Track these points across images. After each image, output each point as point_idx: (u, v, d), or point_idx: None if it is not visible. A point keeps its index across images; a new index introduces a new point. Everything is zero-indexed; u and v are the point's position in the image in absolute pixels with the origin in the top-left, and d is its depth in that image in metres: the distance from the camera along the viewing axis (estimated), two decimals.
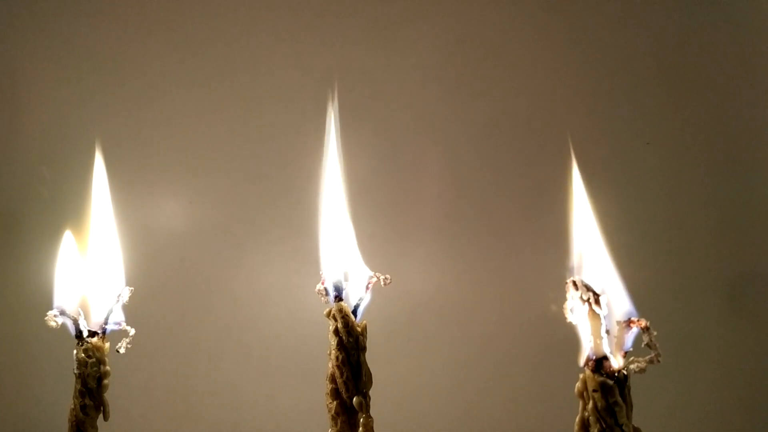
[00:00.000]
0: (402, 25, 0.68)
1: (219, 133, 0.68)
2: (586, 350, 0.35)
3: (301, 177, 0.61)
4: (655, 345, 0.34)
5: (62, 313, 0.43)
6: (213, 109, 0.69)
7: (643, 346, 0.35)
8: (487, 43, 0.67)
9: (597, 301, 0.35)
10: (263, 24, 0.69)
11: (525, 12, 0.67)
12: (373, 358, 0.43)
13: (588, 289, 0.35)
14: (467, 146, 0.67)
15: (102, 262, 0.46)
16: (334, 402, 0.42)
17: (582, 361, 0.35)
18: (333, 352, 0.42)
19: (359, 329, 0.42)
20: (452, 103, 0.67)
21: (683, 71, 0.65)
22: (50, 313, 0.43)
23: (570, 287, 0.36)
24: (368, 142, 0.66)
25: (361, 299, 0.44)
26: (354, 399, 0.42)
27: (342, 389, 0.42)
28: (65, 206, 0.56)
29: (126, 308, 0.45)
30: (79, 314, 0.43)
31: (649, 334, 0.35)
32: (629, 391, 0.35)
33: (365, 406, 0.42)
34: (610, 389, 0.34)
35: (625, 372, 0.34)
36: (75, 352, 0.43)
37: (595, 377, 0.35)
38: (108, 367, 0.43)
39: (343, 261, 0.44)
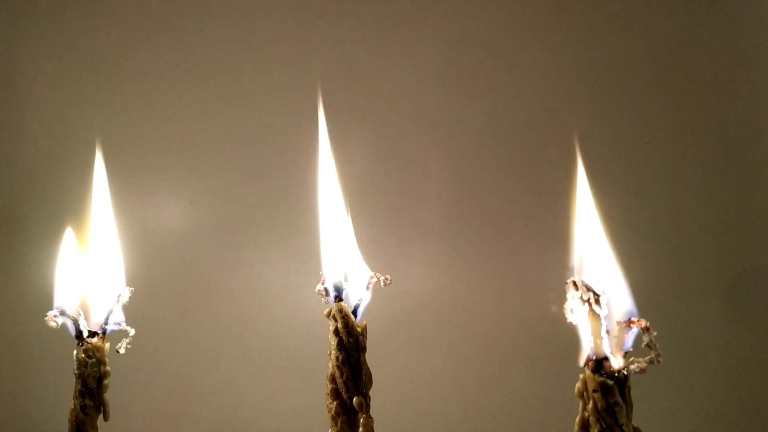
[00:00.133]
0: (402, 25, 0.68)
1: (219, 133, 0.68)
2: (587, 350, 0.35)
3: (301, 177, 0.61)
4: (655, 345, 0.34)
5: (62, 313, 0.43)
6: (213, 110, 0.69)
7: (643, 346, 0.35)
8: (487, 43, 0.67)
9: (597, 302, 0.35)
10: (263, 24, 0.69)
11: (525, 12, 0.67)
12: (373, 358, 0.43)
13: (588, 289, 0.35)
14: (467, 146, 0.67)
15: (102, 263, 0.46)
16: (334, 402, 0.42)
17: (582, 362, 0.35)
18: (333, 352, 0.42)
19: (359, 329, 0.42)
20: (452, 103, 0.67)
21: (684, 71, 0.65)
22: (50, 313, 0.43)
23: (570, 287, 0.36)
24: (368, 142, 0.66)
25: (361, 299, 0.44)
26: (354, 399, 0.42)
27: (342, 389, 0.42)
28: (65, 206, 0.56)
29: (126, 308, 0.45)
30: (79, 314, 0.43)
31: (649, 335, 0.35)
32: (629, 391, 0.35)
33: (365, 406, 0.42)
34: (610, 389, 0.34)
35: (625, 372, 0.34)
36: (75, 352, 0.43)
37: (595, 377, 0.35)
38: (108, 368, 0.43)
39: (343, 261, 0.44)
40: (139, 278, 0.47)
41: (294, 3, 0.69)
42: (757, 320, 0.64)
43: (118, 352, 0.44)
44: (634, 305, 0.36)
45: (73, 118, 0.69)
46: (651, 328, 0.35)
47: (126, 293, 0.45)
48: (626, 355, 0.35)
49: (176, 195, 0.69)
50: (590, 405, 0.35)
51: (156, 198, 0.69)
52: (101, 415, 0.43)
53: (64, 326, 0.44)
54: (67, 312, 0.43)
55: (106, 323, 0.44)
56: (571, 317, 0.36)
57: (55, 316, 0.43)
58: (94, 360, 0.43)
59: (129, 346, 0.44)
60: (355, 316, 0.43)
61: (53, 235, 0.47)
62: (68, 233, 0.47)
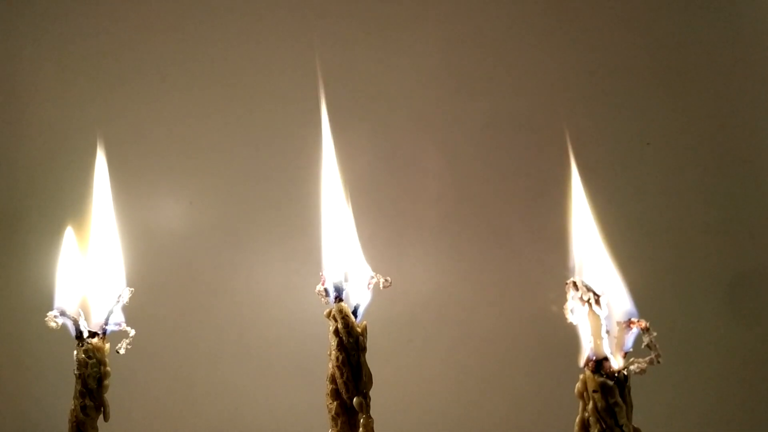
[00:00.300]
0: (402, 25, 0.68)
1: (219, 134, 0.68)
2: (587, 351, 0.35)
3: (301, 177, 0.61)
4: (655, 345, 0.34)
5: (62, 313, 0.43)
6: (214, 110, 0.69)
7: (643, 346, 0.35)
8: (487, 43, 0.67)
9: (597, 302, 0.35)
10: (264, 25, 0.69)
11: (525, 12, 0.67)
12: (373, 358, 0.43)
13: (588, 289, 0.35)
14: (467, 146, 0.67)
15: (102, 263, 0.46)
16: (335, 402, 0.42)
17: (582, 362, 0.35)
18: (333, 352, 0.42)
19: (359, 330, 0.42)
20: (452, 103, 0.67)
21: (683, 71, 0.65)
22: (50, 313, 0.43)
23: (570, 288, 0.36)
24: (368, 142, 0.66)
25: (361, 300, 0.44)
26: (354, 399, 0.42)
27: (342, 390, 0.42)
28: (66, 206, 0.56)
29: (126, 309, 0.45)
30: (80, 315, 0.43)
31: (649, 335, 0.35)
32: (629, 391, 0.35)
33: (365, 406, 0.42)
34: (610, 390, 0.34)
35: (625, 372, 0.35)
36: (75, 352, 0.43)
37: (596, 378, 0.35)
38: (108, 368, 0.43)
39: (344, 261, 0.44)
40: (139, 278, 0.47)
41: (295, 3, 0.69)
42: (757, 320, 0.64)
43: (118, 352, 0.44)
44: (633, 305, 0.36)
45: (73, 118, 0.69)
46: (651, 329, 0.35)
47: (126, 294, 0.45)
48: (626, 355, 0.35)
49: (176, 195, 0.69)
50: (590, 405, 0.35)
51: (156, 198, 0.69)
52: (101, 416, 0.43)
53: (64, 327, 0.44)
54: (68, 312, 0.43)
55: (106, 324, 0.44)
56: (571, 317, 0.36)
57: (55, 316, 0.43)
58: (94, 360, 0.43)
59: (129, 347, 0.44)
60: (355, 317, 0.43)
61: (53, 236, 0.47)
62: (68, 233, 0.46)
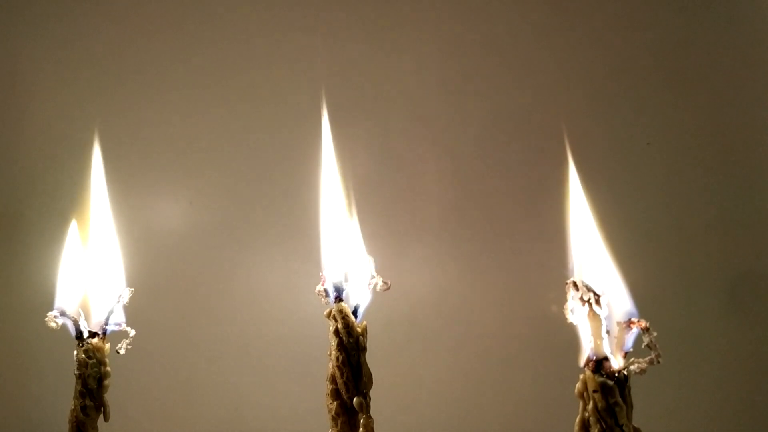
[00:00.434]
0: (402, 25, 0.68)
1: (219, 133, 0.68)
2: (587, 351, 0.35)
3: (301, 177, 0.61)
4: (655, 346, 0.34)
5: (62, 313, 0.43)
6: (213, 109, 0.69)
7: (643, 347, 0.35)
8: (487, 43, 0.67)
9: (597, 302, 0.35)
10: (263, 24, 0.69)
11: (525, 12, 0.67)
12: (373, 358, 0.43)
13: (588, 289, 0.35)
14: (467, 146, 0.67)
15: (102, 263, 0.46)
16: (335, 402, 0.42)
17: (582, 362, 0.35)
18: (333, 352, 0.42)
19: (359, 330, 0.42)
20: (452, 103, 0.67)
21: (683, 71, 0.65)
22: (50, 313, 0.43)
23: (570, 288, 0.36)
24: (368, 141, 0.66)
25: (361, 300, 0.43)
26: (354, 399, 0.42)
27: (342, 390, 0.42)
28: (65, 206, 0.56)
29: (126, 309, 0.45)
30: (80, 315, 0.43)
31: (650, 335, 0.35)
32: (629, 391, 0.35)
33: (365, 406, 0.42)
34: (611, 390, 0.34)
35: (625, 372, 0.35)
36: (75, 352, 0.43)
37: (596, 378, 0.35)
38: (108, 368, 0.43)
39: (344, 261, 0.44)
40: (140, 278, 0.47)
41: (295, 3, 0.69)
42: (757, 320, 0.64)
43: (118, 352, 0.44)
44: (634, 305, 0.36)
45: (73, 117, 0.69)
46: (651, 329, 0.35)
47: (126, 294, 0.45)
48: (626, 355, 0.35)
49: (176, 195, 0.69)
50: (590, 405, 0.35)
51: (156, 198, 0.69)
52: (101, 416, 0.43)
53: (64, 327, 0.44)
54: (68, 312, 0.43)
55: (106, 324, 0.44)
56: (571, 317, 0.36)
57: (55, 316, 0.43)
58: (94, 360, 0.43)
59: (129, 347, 0.44)
60: (356, 317, 0.43)
61: (53, 236, 0.47)
62: (72, 227, 0.46)
